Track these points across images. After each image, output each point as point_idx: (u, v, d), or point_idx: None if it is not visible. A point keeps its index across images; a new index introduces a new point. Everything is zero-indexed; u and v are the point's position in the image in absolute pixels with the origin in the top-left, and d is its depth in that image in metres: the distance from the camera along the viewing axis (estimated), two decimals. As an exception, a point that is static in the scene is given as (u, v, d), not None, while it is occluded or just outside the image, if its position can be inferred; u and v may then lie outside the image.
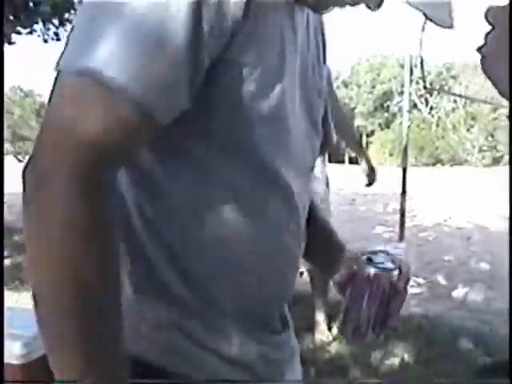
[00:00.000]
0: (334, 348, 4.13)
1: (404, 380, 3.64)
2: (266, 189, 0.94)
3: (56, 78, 0.76)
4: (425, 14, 0.92)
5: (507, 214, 3.84)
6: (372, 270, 1.15)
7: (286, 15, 0.92)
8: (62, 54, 0.76)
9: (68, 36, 0.78)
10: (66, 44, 0.76)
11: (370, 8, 0.96)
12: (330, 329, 4.36)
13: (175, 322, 0.92)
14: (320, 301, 4.33)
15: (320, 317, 4.32)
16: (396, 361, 3.92)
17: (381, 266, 1.16)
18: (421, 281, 5.88)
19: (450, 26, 0.94)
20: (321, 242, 1.28)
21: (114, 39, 0.71)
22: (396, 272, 1.15)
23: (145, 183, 0.89)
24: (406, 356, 3.97)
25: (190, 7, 0.73)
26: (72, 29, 0.78)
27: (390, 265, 1.16)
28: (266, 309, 1.03)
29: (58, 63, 0.76)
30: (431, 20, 0.93)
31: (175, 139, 0.85)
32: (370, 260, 1.18)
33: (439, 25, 0.93)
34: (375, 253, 1.19)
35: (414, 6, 0.90)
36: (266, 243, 0.96)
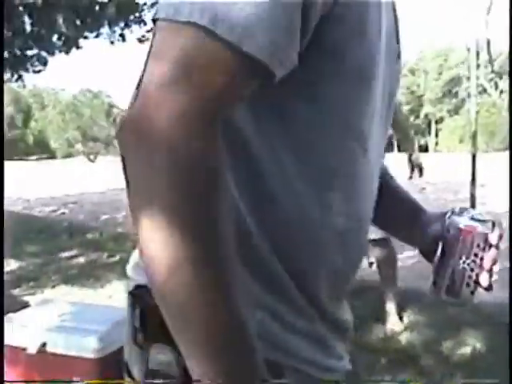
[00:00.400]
0: (405, 337, 4.12)
1: None
2: (356, 163, 0.95)
3: (158, 23, 0.73)
4: None
5: None
6: (464, 221, 1.10)
7: None
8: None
9: None
10: None
11: None
12: (400, 318, 4.35)
13: (269, 306, 0.90)
14: (389, 290, 4.32)
15: (390, 307, 4.31)
16: (468, 350, 3.88)
17: (475, 218, 1.10)
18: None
19: None
20: (399, 207, 1.26)
21: None
22: (489, 224, 1.09)
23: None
24: (477, 345, 3.92)
25: None
26: None
27: (481, 217, 1.10)
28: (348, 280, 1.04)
29: (160, 16, 0.73)
30: None
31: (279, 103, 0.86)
32: (461, 213, 1.12)
33: None
34: (462, 212, 1.14)
35: None
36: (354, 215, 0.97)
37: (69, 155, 62.24)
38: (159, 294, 0.71)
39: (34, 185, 19.87)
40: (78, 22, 8.86)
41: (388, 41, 0.95)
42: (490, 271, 1.08)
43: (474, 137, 7.80)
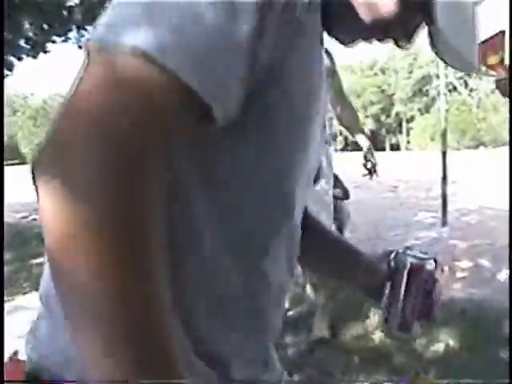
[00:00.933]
0: (377, 336, 4.13)
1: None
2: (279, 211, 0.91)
3: (89, 52, 0.68)
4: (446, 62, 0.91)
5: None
6: (411, 260, 1.15)
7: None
8: (105, 28, 0.68)
9: (112, 9, 0.70)
10: (110, 18, 0.69)
11: (399, 46, 0.95)
12: (331, 327, 4.24)
13: None
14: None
15: (319, 315, 4.17)
16: (441, 347, 3.90)
17: (418, 256, 1.16)
18: (464, 265, 5.83)
19: (474, 69, 0.93)
20: (338, 256, 1.24)
21: (175, 24, 0.66)
22: (432, 261, 1.16)
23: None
24: (450, 342, 3.95)
25: (255, 13, 0.70)
26: (118, 4, 0.71)
27: (426, 255, 1.16)
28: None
29: (97, 38, 0.68)
30: (454, 67, 0.93)
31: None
32: (406, 253, 1.17)
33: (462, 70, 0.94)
34: (405, 251, 1.19)
35: (440, 56, 0.88)
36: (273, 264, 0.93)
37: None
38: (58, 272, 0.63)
39: (3, 190, 19.63)
40: (45, 26, 8.78)
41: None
42: (436, 304, 1.15)
43: (444, 135, 7.86)
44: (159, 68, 0.64)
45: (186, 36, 0.66)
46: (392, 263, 1.16)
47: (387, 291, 1.15)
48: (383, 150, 60.60)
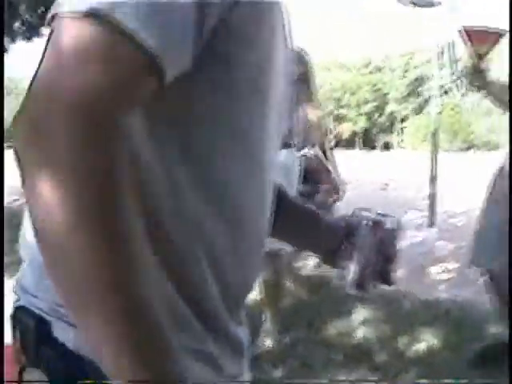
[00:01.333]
0: (361, 333, 4.15)
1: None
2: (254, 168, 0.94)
3: (51, 23, 0.72)
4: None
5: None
6: (371, 218, 1.15)
7: None
8: None
9: None
10: None
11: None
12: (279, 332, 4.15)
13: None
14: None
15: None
16: (423, 346, 3.92)
17: (379, 213, 1.16)
18: (450, 266, 5.86)
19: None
20: (296, 218, 1.26)
21: None
22: (395, 220, 1.15)
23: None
24: (433, 341, 3.97)
25: None
26: None
27: (385, 213, 1.17)
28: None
29: (54, 12, 0.72)
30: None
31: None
32: (362, 211, 1.18)
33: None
34: (365, 209, 1.19)
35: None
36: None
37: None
38: (51, 257, 0.68)
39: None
40: (40, 10, 8.74)
41: (282, 47, 0.94)
42: (394, 265, 1.14)
43: (434, 136, 7.90)
44: (115, 29, 0.68)
45: None
46: (351, 221, 1.17)
47: (344, 248, 1.15)
48: (374, 148, 60.74)
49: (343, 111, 67.42)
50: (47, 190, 0.65)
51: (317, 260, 4.77)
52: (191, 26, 0.74)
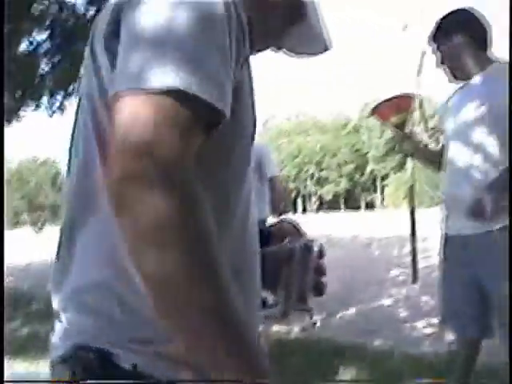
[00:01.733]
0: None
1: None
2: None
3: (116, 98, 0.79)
4: None
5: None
6: (302, 244, 1.24)
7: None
8: (122, 75, 0.81)
9: (123, 59, 0.82)
10: (124, 67, 0.81)
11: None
12: None
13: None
14: None
15: None
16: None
17: (307, 240, 1.26)
18: (434, 321, 5.87)
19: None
20: None
21: (184, 56, 0.79)
22: (318, 242, 1.25)
23: None
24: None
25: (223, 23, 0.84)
26: (126, 53, 0.82)
27: (311, 241, 1.25)
28: None
29: (126, 88, 0.79)
30: None
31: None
32: (296, 239, 1.27)
33: None
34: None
35: None
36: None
37: (15, 225, 61.29)
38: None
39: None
40: (19, 93, 8.81)
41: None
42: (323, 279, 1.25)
43: (411, 191, 8.02)
44: (193, 99, 0.78)
45: (199, 63, 0.80)
46: (287, 247, 1.25)
47: (285, 270, 1.23)
48: (358, 208, 60.89)
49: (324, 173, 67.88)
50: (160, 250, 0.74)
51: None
52: (229, 74, 0.85)
